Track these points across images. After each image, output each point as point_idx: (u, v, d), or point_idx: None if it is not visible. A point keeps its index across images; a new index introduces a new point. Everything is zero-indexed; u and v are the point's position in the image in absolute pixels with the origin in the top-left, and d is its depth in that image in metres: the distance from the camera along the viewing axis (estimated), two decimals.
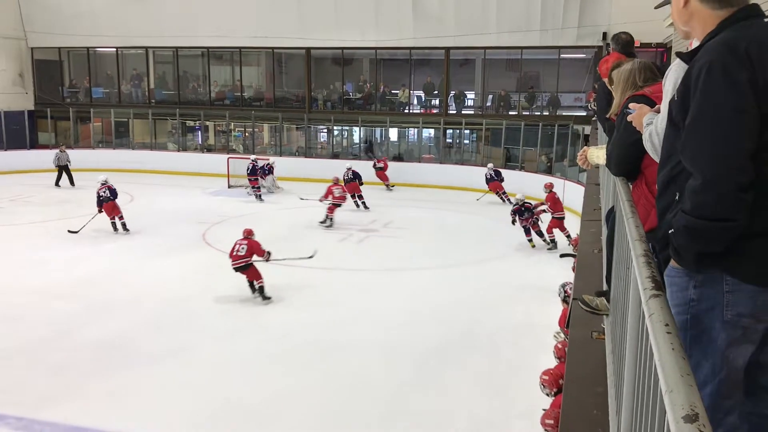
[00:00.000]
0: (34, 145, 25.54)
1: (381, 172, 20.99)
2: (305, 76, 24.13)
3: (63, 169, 21.05)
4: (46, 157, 23.66)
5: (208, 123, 25.98)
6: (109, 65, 26.76)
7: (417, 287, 11.33)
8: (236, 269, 10.52)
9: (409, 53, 22.88)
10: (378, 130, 24.77)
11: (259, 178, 19.24)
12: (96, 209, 14.42)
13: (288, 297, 10.85)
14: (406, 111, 23.72)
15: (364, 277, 12.01)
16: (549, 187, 14.06)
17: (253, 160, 19.49)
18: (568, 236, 12.90)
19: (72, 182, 20.94)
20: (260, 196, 18.97)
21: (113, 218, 14.66)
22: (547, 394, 5.46)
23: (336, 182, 16.11)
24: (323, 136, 25.41)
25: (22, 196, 19.08)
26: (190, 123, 26.06)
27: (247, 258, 10.51)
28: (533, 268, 12.50)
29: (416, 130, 23.65)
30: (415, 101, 24.01)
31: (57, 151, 21.44)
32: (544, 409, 5.16)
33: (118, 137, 25.99)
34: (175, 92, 25.96)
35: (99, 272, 11.96)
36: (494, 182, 18.83)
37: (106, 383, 7.64)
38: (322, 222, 15.69)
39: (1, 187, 20.44)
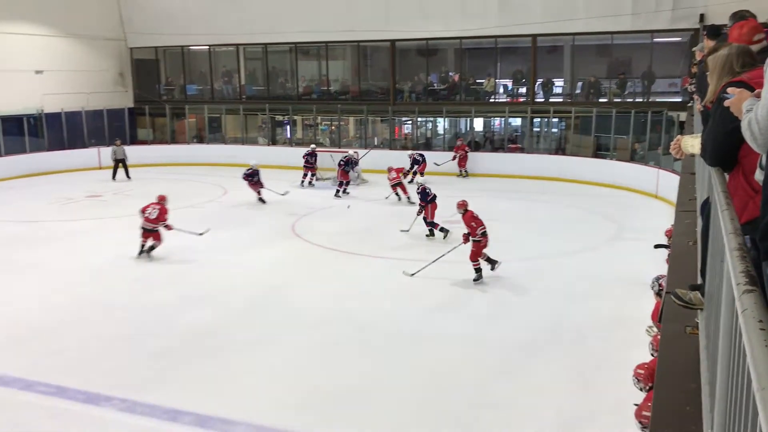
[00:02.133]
0: (134, 140, 26.86)
1: (461, 159, 21.25)
2: (390, 68, 24.24)
3: (119, 162, 22.23)
4: (145, 152, 25.01)
5: (296, 117, 26.55)
6: (202, 63, 27.77)
7: (504, 279, 11.22)
8: (145, 230, 12.29)
9: (494, 42, 22.58)
10: (462, 120, 24.60)
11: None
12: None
13: (372, 288, 10.98)
14: (492, 100, 23.45)
15: (450, 268, 11.97)
16: (463, 207, 11.39)
17: (312, 150, 20.44)
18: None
19: (128, 175, 22.07)
20: (343, 190, 19.04)
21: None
22: (641, 389, 5.31)
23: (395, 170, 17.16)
24: (407, 128, 25.46)
25: (123, 190, 20.11)
26: (279, 117, 26.70)
27: (156, 223, 12.28)
28: (624, 260, 12.12)
29: (502, 119, 23.35)
30: (501, 90, 23.68)
31: (113, 145, 22.60)
32: (635, 404, 5.02)
33: (212, 132, 26.96)
34: (264, 88, 26.67)
35: (195, 262, 12.47)
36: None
37: (201, 369, 7.98)
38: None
39: (106, 181, 21.64)
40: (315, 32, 23.98)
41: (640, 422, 4.80)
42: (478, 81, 23.79)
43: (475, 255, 10.96)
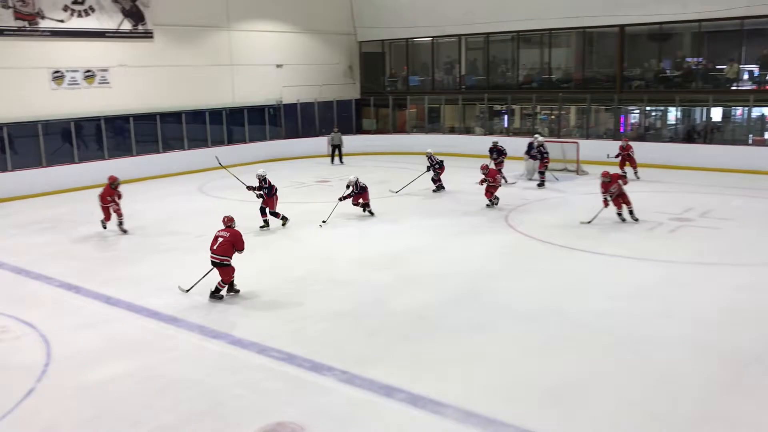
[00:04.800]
0: (359, 130, 28.39)
1: (624, 157, 19.08)
2: (617, 55, 23.00)
3: (336, 148, 24.34)
4: (368, 141, 26.37)
5: (514, 107, 26.24)
6: (425, 54, 28.49)
7: (739, 284, 10.17)
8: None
9: (740, 23, 20.42)
10: (697, 109, 22.62)
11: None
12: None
13: (590, 285, 10.55)
14: (734, 88, 21.27)
15: (676, 269, 11.13)
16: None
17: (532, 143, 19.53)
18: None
19: (341, 161, 24.17)
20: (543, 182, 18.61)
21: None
22: None
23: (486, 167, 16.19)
24: (634, 117, 24.00)
25: (348, 176, 21.29)
26: (497, 107, 26.58)
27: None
28: None
29: (745, 109, 21.10)
30: (746, 76, 21.37)
31: (332, 133, 24.71)
32: None
33: (431, 122, 27.60)
34: (484, 77, 26.69)
35: (408, 247, 12.88)
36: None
37: (412, 349, 8.24)
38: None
39: (334, 167, 23.16)
40: (538, 20, 23.50)
41: None
42: (718, 67, 21.70)
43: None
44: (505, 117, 26.62)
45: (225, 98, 24.80)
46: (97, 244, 13.61)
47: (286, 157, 25.32)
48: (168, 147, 23.07)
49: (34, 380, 7.59)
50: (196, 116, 23.83)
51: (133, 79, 22.06)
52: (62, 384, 7.54)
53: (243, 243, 10.07)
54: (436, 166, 18.34)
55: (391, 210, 16.03)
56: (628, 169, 18.83)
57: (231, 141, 24.93)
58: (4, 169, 19.03)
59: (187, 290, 10.39)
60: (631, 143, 19.37)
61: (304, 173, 22.12)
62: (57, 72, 20.44)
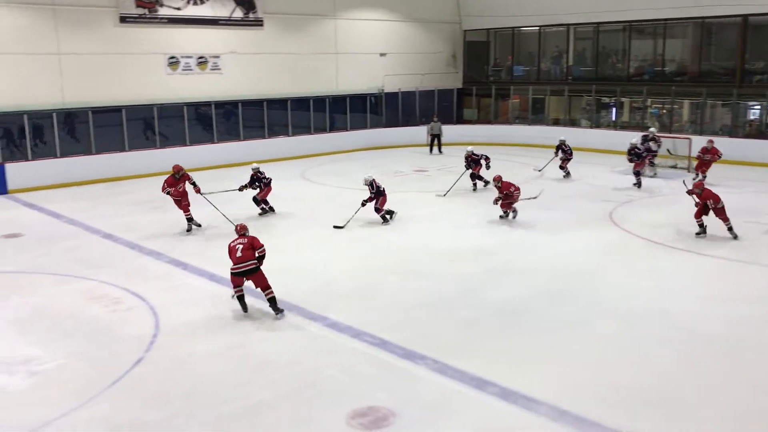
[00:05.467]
0: (460, 120, 28.18)
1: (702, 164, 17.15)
2: (738, 47, 21.66)
3: (435, 137, 24.18)
4: (468, 131, 26.16)
5: (623, 99, 25.25)
6: (531, 44, 27.88)
7: None
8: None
9: None
10: None
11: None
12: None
13: (694, 287, 10.04)
14: None
15: None
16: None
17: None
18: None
19: (440, 150, 23.99)
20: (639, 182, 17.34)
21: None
22: None
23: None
24: (754, 114, 22.56)
25: (447, 165, 21.25)
26: (605, 99, 25.67)
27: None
28: None
29: None
30: None
31: (431, 122, 24.55)
32: None
33: (534, 113, 27.01)
34: (592, 68, 25.84)
35: (499, 240, 12.72)
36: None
37: (506, 343, 8.14)
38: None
39: (432, 157, 23.15)
40: (653, 9, 22.47)
41: None
42: None
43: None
44: (613, 110, 25.65)
45: (329, 86, 25.23)
46: (203, 223, 14.18)
47: (385, 145, 25.49)
48: (273, 133, 23.75)
49: (143, 350, 8.03)
50: (300, 103, 24.37)
51: (242, 66, 22.81)
52: (168, 356, 7.94)
53: (260, 242, 9.29)
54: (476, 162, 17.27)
55: (483, 201, 15.84)
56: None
57: (333, 128, 25.37)
58: (123, 149, 20.16)
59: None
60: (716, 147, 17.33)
61: (402, 162, 22.20)
62: (172, 58, 21.42)
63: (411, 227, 13.76)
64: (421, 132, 25.71)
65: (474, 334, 8.45)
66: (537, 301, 9.47)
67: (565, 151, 18.63)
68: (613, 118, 25.57)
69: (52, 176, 18.19)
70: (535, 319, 8.84)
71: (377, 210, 13.89)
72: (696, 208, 12.51)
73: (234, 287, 9.08)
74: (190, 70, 21.80)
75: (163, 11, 20.84)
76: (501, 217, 14.03)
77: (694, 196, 12.58)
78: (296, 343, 8.22)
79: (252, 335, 8.49)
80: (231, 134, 22.74)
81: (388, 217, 13.98)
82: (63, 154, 18.90)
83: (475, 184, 17.41)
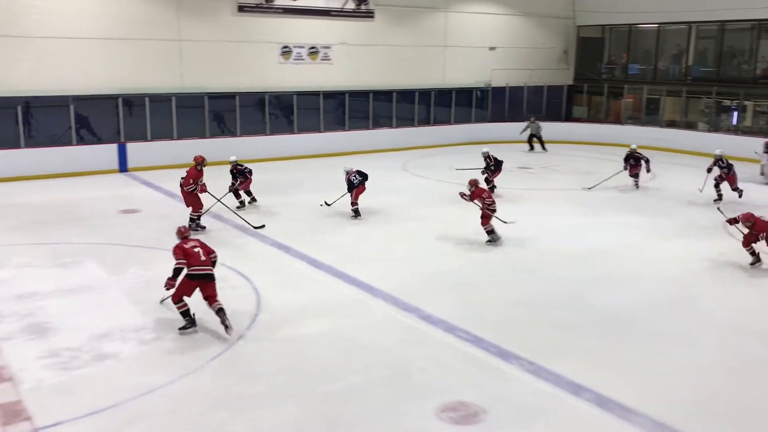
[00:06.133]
0: (568, 117, 27.45)
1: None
2: None
3: (533, 137, 23.55)
4: (577, 130, 25.45)
5: (746, 103, 23.78)
6: (648, 42, 26.73)
7: None
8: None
9: None
10: None
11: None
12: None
13: None
14: None
15: None
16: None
17: None
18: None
19: (544, 147, 23.38)
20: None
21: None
22: None
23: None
24: None
25: (551, 164, 20.78)
26: (726, 102, 24.25)
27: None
28: None
29: None
30: None
31: (528, 122, 23.79)
32: None
33: (648, 114, 25.89)
34: (714, 69, 24.49)
35: (605, 245, 12.30)
36: None
37: (606, 350, 7.90)
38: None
39: (537, 154, 22.69)
40: None
41: None
42: None
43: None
44: (735, 113, 24.18)
45: (435, 79, 25.18)
46: (304, 209, 14.51)
47: (489, 140, 25.12)
48: (377, 124, 23.99)
49: (244, 328, 8.34)
50: (405, 95, 24.47)
51: (351, 57, 23.15)
52: (267, 334, 8.22)
53: (210, 247, 8.51)
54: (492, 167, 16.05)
55: (594, 203, 15.40)
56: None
57: (436, 122, 25.33)
58: (235, 134, 20.97)
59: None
60: None
61: (505, 158, 21.83)
62: (285, 47, 22.02)
63: (514, 225, 13.55)
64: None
65: (572, 338, 8.24)
66: (643, 309, 9.11)
67: (638, 160, 16.78)
68: (735, 122, 24.10)
69: (169, 157, 19.15)
70: (637, 328, 8.52)
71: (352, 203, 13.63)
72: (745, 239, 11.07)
73: (179, 297, 8.13)
74: (302, 59, 22.34)
75: (279, 1, 21.44)
76: (488, 242, 12.05)
77: (739, 225, 11.21)
78: (390, 333, 8.30)
79: (347, 321, 8.64)
80: (336, 124, 23.16)
81: (356, 211, 13.65)
82: (179, 137, 19.87)
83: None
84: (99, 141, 19.03)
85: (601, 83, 26.96)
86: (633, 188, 16.90)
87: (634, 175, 16.94)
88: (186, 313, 8.18)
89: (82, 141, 18.81)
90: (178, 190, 13.34)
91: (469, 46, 25.69)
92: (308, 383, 7.00)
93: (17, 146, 17.74)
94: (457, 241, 12.33)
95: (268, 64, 21.73)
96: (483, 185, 13.01)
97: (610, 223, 13.88)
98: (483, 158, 16.17)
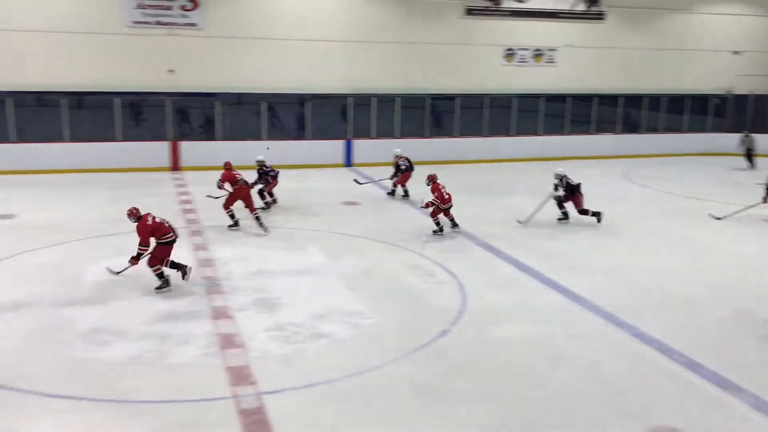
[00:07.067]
0: None
1: None
2: None
3: (749, 151, 21.08)
4: None
5: None
6: None
7: None
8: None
9: None
10: None
11: None
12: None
13: None
14: None
15: None
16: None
17: None
18: None
19: (752, 163, 20.89)
20: None
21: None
22: None
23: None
24: None
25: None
26: None
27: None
28: None
29: None
30: None
31: (741, 135, 21.31)
32: None
33: None
34: None
35: (719, 254, 11.45)
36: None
37: None
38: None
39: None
40: None
41: None
42: None
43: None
44: None
45: (667, 84, 23.62)
46: (513, 212, 14.37)
47: (726, 152, 22.89)
48: (600, 129, 23.07)
49: (449, 323, 8.53)
50: (632, 101, 23.26)
51: (576, 60, 22.51)
52: (471, 333, 8.32)
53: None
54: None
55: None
56: None
57: (666, 129, 23.74)
58: (450, 134, 21.37)
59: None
60: None
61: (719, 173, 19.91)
62: (509, 50, 22.00)
63: (739, 238, 12.37)
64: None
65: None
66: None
67: None
68: None
69: (390, 154, 19.97)
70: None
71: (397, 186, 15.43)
72: None
73: (164, 257, 9.38)
74: (525, 62, 22.18)
75: (507, 3, 21.45)
76: (434, 232, 12.56)
77: None
78: (599, 346, 7.99)
79: (553, 329, 8.46)
80: (555, 127, 22.65)
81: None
82: (401, 135, 20.67)
83: None
84: (326, 137, 20.42)
85: None
86: None
87: None
88: (161, 275, 9.39)
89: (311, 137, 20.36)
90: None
91: (707, 50, 23.74)
92: (512, 384, 6.99)
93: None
94: (680, 257, 11.52)
95: (490, 67, 21.86)
96: (441, 180, 12.85)
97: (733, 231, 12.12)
98: (555, 178, 13.62)
